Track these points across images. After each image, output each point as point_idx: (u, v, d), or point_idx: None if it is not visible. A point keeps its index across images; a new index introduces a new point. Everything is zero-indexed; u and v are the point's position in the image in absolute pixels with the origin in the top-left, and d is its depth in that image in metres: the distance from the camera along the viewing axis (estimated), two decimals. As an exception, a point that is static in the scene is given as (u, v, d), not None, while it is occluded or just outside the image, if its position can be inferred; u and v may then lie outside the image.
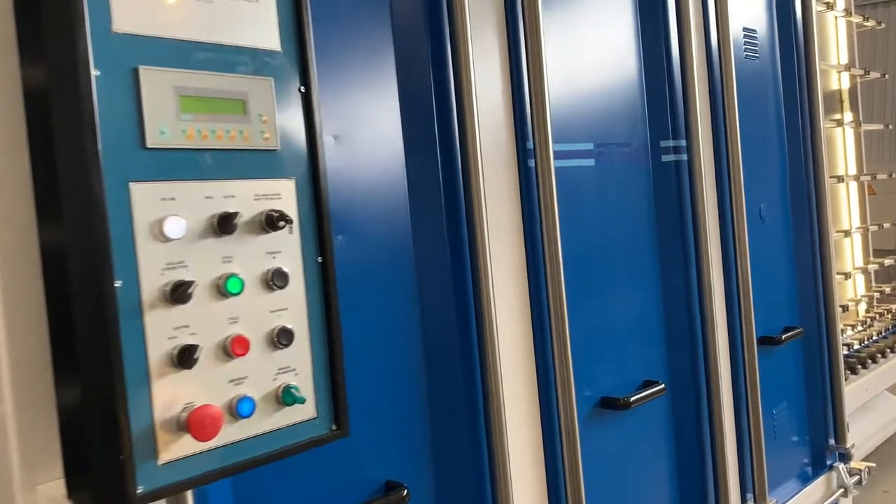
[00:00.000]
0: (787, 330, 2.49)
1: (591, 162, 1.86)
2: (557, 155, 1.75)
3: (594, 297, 1.84)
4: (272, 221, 0.95)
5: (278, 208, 0.96)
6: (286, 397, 0.97)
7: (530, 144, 1.63)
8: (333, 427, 1.03)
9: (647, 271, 2.01)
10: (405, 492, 1.34)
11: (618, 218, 1.93)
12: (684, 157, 2.08)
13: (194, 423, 0.87)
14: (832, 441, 2.69)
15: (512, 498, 1.50)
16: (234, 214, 0.91)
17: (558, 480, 1.66)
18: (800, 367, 2.62)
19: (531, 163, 1.63)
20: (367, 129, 1.39)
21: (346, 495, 1.33)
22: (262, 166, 0.97)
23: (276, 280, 0.96)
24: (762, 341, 2.40)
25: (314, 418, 1.01)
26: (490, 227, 1.52)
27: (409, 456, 1.41)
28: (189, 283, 0.87)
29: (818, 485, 2.64)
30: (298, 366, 0.99)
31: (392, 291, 1.40)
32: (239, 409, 0.92)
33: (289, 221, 0.96)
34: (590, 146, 1.85)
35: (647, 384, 1.94)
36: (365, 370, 1.36)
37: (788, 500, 2.49)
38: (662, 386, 1.94)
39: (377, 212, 1.40)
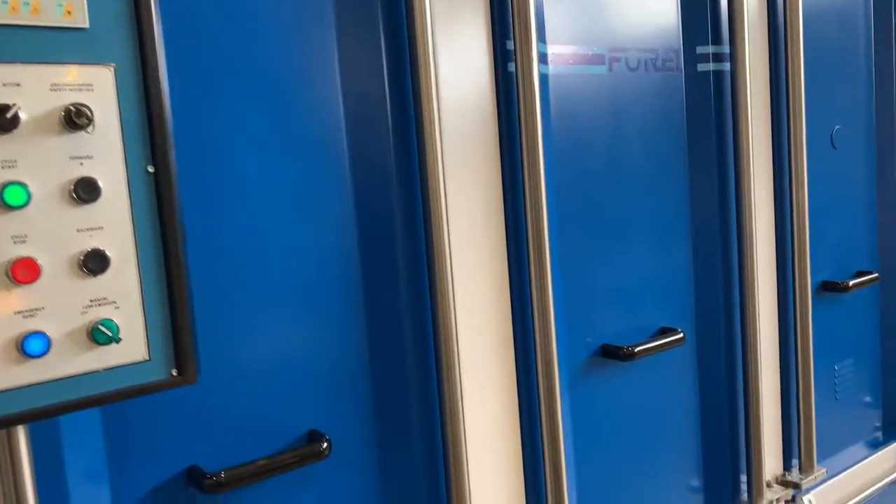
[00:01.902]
0: (859, 275, 2.14)
1: (602, 70, 1.57)
2: (555, 60, 1.47)
3: (600, 231, 1.58)
4: (71, 118, 0.76)
5: (84, 102, 0.77)
6: (97, 335, 0.80)
7: (511, 44, 1.37)
8: (174, 372, 0.86)
9: (674, 204, 1.72)
10: (325, 444, 1.17)
11: (636, 139, 1.64)
12: (727, 66, 1.75)
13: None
14: (911, 404, 2.34)
15: (465, 463, 1.30)
16: (9, 107, 0.73)
17: (535, 440, 1.44)
18: (874, 318, 2.26)
19: (511, 67, 1.37)
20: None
21: (265, 443, 1.17)
22: (63, 48, 0.77)
23: (81, 191, 0.78)
24: (825, 287, 2.06)
25: (145, 361, 0.84)
26: (452, 138, 1.29)
27: (340, 408, 1.23)
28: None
29: (891, 451, 2.31)
30: (120, 298, 0.82)
31: (323, 216, 1.20)
32: (25, 347, 0.76)
33: (89, 119, 0.77)
34: (601, 50, 1.56)
35: (664, 332, 1.68)
36: (292, 312, 1.18)
37: (851, 467, 2.18)
38: (681, 335, 1.67)
39: (310, 127, 1.19)
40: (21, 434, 0.87)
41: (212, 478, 1.07)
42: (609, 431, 1.61)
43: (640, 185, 1.65)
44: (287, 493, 1.18)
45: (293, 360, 1.19)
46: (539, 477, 1.46)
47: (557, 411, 1.42)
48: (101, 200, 0.80)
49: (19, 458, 0.87)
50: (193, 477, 1.09)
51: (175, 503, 1.09)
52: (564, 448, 1.44)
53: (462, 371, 1.32)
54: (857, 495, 2.13)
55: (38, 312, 0.77)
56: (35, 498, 0.89)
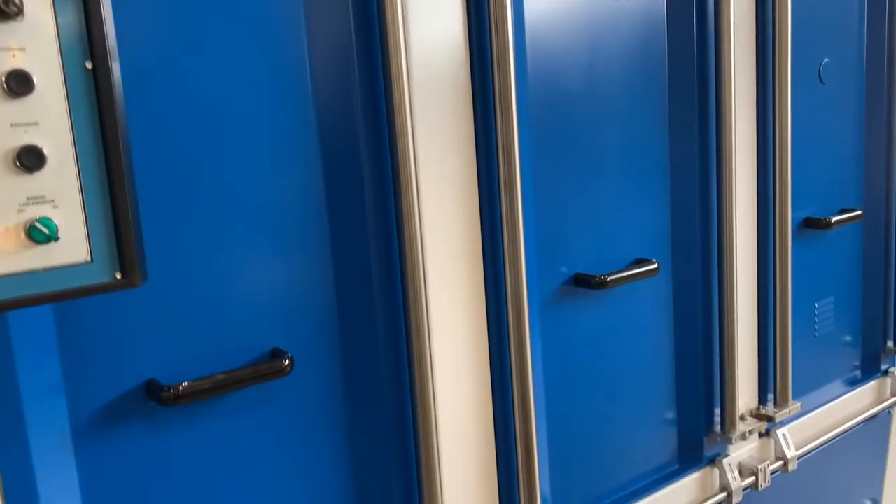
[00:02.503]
0: (843, 212, 2.13)
1: (579, -8, 1.53)
2: (529, -20, 1.44)
3: (576, 161, 1.56)
4: (-2, 5, 0.74)
5: (12, -10, 0.75)
6: (35, 233, 0.78)
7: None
8: (118, 275, 0.85)
9: (652, 136, 1.69)
10: (287, 361, 1.17)
11: (614, 66, 1.60)
12: (709, -11, 1.71)
13: None
14: (890, 343, 2.34)
15: (431, 388, 1.30)
16: (-70, -8, 0.71)
17: (504, 364, 1.44)
18: (857, 256, 2.25)
19: (482, -16, 1.33)
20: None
21: (226, 359, 1.17)
22: (-11, -68, 0.74)
23: (13, 84, 0.76)
24: (807, 224, 2.05)
25: (87, 262, 0.83)
26: (419, 61, 1.26)
27: (304, 328, 1.23)
28: None
29: (867, 390, 2.32)
30: (59, 197, 0.80)
31: (285, 142, 1.18)
32: (-41, 242, 0.75)
33: (18, 7, 0.74)
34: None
35: (639, 262, 1.67)
36: (257, 232, 1.17)
37: (828, 403, 2.20)
38: (655, 265, 1.66)
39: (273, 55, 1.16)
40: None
41: (169, 390, 1.07)
42: (581, 362, 1.61)
43: (618, 115, 1.62)
44: (248, 409, 1.18)
45: (256, 279, 1.18)
46: (507, 403, 1.46)
47: (526, 337, 1.42)
48: (35, 95, 0.77)
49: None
50: (151, 390, 1.09)
51: (134, 416, 1.09)
52: (533, 375, 1.44)
53: (429, 294, 1.31)
54: (831, 431, 2.15)
55: (-29, 207, 0.76)
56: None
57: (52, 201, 0.80)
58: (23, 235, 0.79)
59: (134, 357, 1.09)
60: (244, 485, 1.19)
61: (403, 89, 1.22)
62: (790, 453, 1.98)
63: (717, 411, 1.87)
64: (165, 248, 1.09)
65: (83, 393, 1.05)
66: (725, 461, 1.86)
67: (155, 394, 1.08)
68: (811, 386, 2.14)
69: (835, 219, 2.06)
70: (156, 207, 1.07)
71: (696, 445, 1.85)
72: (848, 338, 2.28)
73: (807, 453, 2.09)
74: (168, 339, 1.12)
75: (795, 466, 2.01)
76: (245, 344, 1.19)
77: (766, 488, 1.94)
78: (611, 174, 1.62)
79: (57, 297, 0.81)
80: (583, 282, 1.57)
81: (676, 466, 1.84)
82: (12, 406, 0.99)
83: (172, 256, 1.10)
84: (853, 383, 2.30)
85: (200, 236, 1.12)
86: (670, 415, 1.83)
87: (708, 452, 1.87)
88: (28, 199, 0.79)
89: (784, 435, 1.99)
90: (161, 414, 1.11)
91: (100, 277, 0.83)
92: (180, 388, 1.08)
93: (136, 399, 1.10)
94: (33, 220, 0.78)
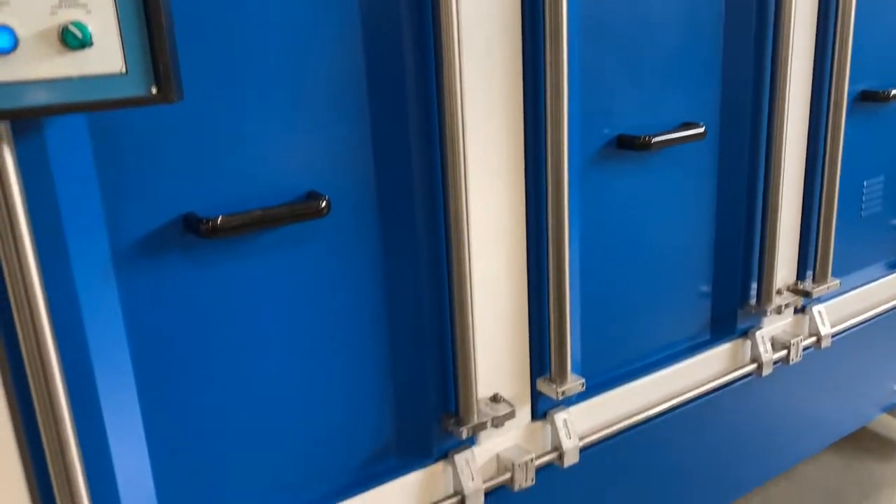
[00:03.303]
0: (904, 87, 2.02)
1: None
2: None
3: (625, 23, 1.48)
4: None
5: None
6: (68, 37, 0.77)
7: None
8: (153, 89, 0.83)
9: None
10: (324, 202, 1.16)
11: None
12: None
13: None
14: (938, 228, 2.28)
15: (467, 243, 1.29)
16: None
17: (541, 223, 1.43)
18: (914, 136, 2.16)
19: None
20: None
21: (264, 197, 1.17)
22: None
23: None
24: (864, 97, 1.96)
25: (122, 73, 0.81)
26: None
27: (342, 173, 1.22)
28: None
29: (910, 275, 2.28)
30: (91, 2, 0.78)
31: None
32: (-9, 41, 0.73)
33: None
34: None
35: (685, 126, 1.62)
36: (298, 70, 1.14)
37: (867, 284, 2.17)
38: (702, 129, 1.60)
39: None
40: (6, 151, 0.87)
41: (207, 223, 1.08)
42: (619, 227, 1.59)
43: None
44: (283, 248, 1.19)
45: (297, 123, 1.16)
46: (542, 265, 1.45)
47: (564, 198, 1.39)
48: None
49: (7, 174, 0.87)
50: (189, 223, 1.10)
51: (172, 248, 1.11)
52: (570, 240, 1.42)
53: (467, 147, 1.28)
54: (867, 311, 2.12)
55: (4, 7, 0.74)
56: (26, 219, 0.90)
57: (85, 6, 0.78)
58: (56, 39, 0.77)
59: (173, 190, 1.09)
60: (273, 322, 1.21)
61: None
62: (825, 330, 1.97)
63: (754, 284, 1.85)
64: (205, 79, 1.07)
65: (123, 223, 1.06)
66: (758, 333, 1.86)
67: (193, 226, 1.09)
68: (852, 266, 2.10)
69: (893, 92, 1.96)
70: (196, 37, 1.04)
71: (729, 317, 1.85)
72: (894, 221, 2.22)
73: (841, 332, 2.08)
74: (207, 175, 1.11)
75: (829, 344, 2.00)
76: (283, 185, 1.18)
77: (797, 363, 1.94)
78: (659, 34, 1.55)
79: (92, 107, 0.80)
80: (626, 143, 1.52)
81: (708, 337, 1.85)
82: (54, 233, 1.00)
83: (212, 88, 1.08)
84: (895, 267, 2.26)
85: (240, 73, 1.10)
86: (706, 286, 1.81)
87: (741, 325, 1.87)
88: (60, 1, 0.76)
89: (820, 312, 1.98)
90: (198, 247, 1.12)
91: (135, 90, 0.82)
92: (217, 221, 1.08)
93: (174, 231, 1.10)
94: (66, 24, 0.76)
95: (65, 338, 1.00)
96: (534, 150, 1.39)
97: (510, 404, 1.44)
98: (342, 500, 1.32)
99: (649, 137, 1.51)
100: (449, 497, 1.43)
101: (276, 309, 1.20)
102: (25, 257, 0.92)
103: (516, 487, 1.49)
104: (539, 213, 1.42)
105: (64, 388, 0.97)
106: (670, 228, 1.69)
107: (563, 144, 1.36)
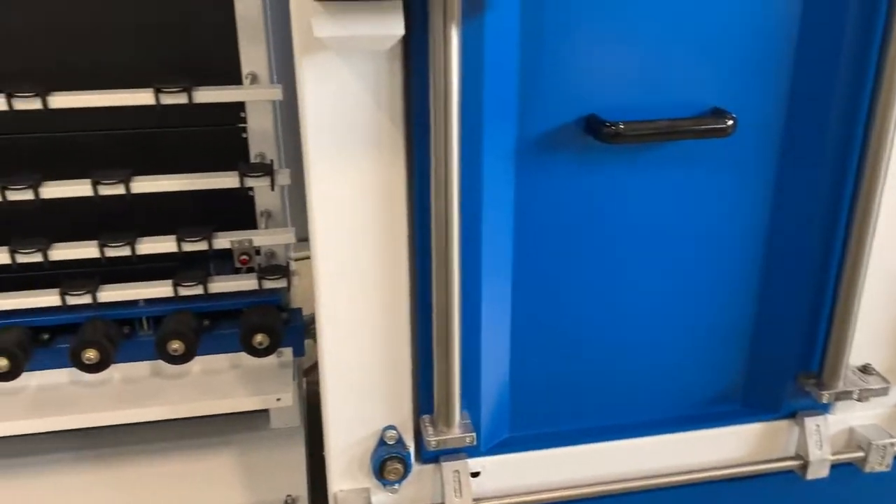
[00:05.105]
0: None
1: None
2: None
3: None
4: None
5: None
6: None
7: None
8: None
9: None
10: (731, 121, 1.09)
11: None
12: None
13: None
14: None
15: (881, 183, 1.13)
16: None
17: None
18: None
19: None
20: None
21: (664, 109, 1.12)
22: None
23: None
24: None
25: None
26: None
27: (751, 92, 1.13)
28: None
29: None
30: None
31: None
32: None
33: None
34: None
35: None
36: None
37: None
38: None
39: None
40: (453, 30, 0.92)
41: (610, 127, 1.07)
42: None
43: None
44: (678, 163, 1.15)
45: (706, 32, 1.09)
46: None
47: None
48: None
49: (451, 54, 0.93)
50: (592, 125, 1.09)
51: (571, 148, 1.11)
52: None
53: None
54: None
55: None
56: (458, 96, 0.96)
57: None
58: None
59: (580, 91, 1.09)
60: (655, 237, 1.18)
61: None
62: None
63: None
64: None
65: (530, 116, 1.09)
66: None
67: (595, 129, 1.09)
68: None
69: None
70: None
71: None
72: None
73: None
74: (613, 79, 1.10)
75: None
76: (686, 99, 1.13)
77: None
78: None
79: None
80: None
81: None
82: (475, 115, 1.03)
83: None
84: None
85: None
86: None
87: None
88: None
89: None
90: (594, 150, 1.12)
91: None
92: (620, 125, 1.07)
93: (574, 132, 1.11)
94: None
95: (467, 215, 1.06)
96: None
97: (884, 379, 1.29)
98: (682, 430, 1.29)
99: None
100: (790, 458, 1.34)
101: (660, 225, 1.17)
102: (451, 134, 0.98)
103: (867, 469, 1.35)
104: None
105: (458, 252, 1.03)
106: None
107: None
